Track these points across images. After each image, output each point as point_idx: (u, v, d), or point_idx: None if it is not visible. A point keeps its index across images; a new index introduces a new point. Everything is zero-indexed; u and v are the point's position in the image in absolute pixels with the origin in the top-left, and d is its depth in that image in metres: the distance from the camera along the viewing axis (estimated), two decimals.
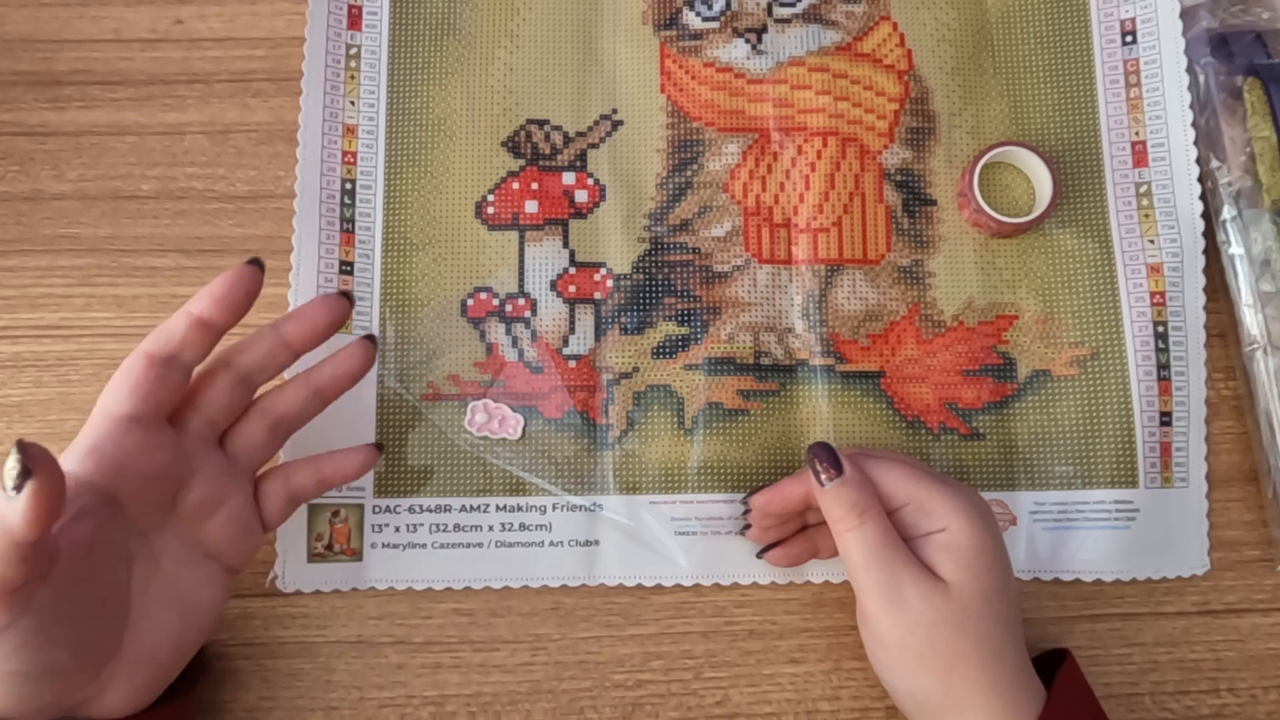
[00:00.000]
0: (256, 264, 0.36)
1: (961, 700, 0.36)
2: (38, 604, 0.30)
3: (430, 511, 0.44)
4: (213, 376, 0.36)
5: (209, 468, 0.36)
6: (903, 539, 0.38)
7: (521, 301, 0.47)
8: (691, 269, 0.47)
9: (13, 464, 0.27)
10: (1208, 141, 0.48)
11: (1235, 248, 0.46)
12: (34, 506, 0.27)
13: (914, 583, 0.36)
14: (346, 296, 0.38)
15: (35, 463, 0.27)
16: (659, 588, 0.44)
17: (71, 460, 0.33)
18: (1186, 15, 0.48)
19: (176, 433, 0.35)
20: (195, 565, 0.36)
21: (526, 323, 0.46)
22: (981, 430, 0.46)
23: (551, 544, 0.44)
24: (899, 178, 0.48)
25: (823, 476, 0.38)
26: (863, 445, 0.45)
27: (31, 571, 0.29)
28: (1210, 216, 0.47)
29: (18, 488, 0.27)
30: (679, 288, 0.47)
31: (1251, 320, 0.46)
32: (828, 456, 0.38)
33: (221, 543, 0.37)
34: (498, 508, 0.45)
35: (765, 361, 0.46)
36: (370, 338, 0.39)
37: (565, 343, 0.46)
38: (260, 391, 0.39)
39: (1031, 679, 0.37)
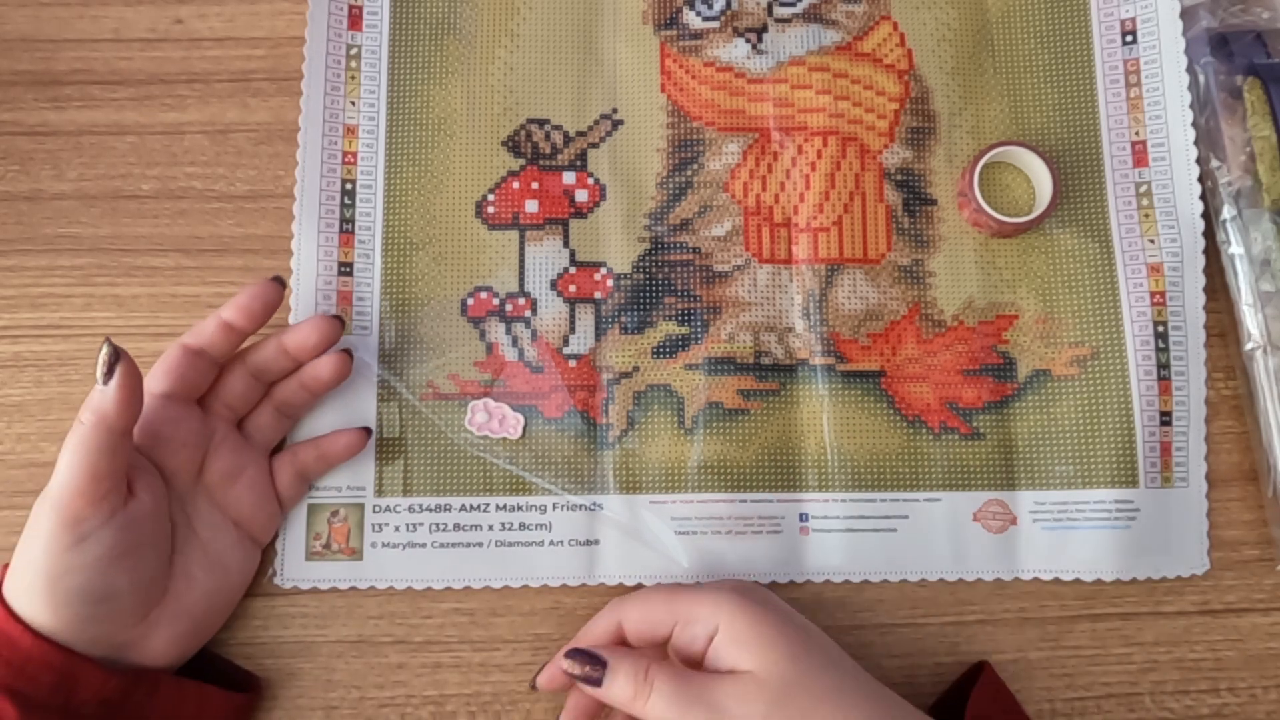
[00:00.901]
0: (278, 281, 0.42)
1: None
2: (116, 523, 0.36)
3: (430, 511, 0.44)
4: (230, 370, 0.42)
5: (229, 441, 0.42)
6: (697, 664, 0.37)
7: (522, 301, 0.47)
8: (692, 268, 0.47)
9: (103, 355, 0.35)
10: (1208, 141, 0.48)
11: (1235, 247, 0.46)
12: (123, 388, 0.35)
13: (726, 693, 0.35)
14: (339, 319, 0.43)
15: (121, 353, 0.35)
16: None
17: None
18: (1186, 15, 0.48)
19: (203, 412, 0.41)
20: (224, 530, 0.41)
21: (527, 322, 0.46)
22: (982, 430, 0.46)
23: (552, 543, 0.44)
24: (899, 177, 0.48)
25: (594, 677, 0.37)
26: (860, 453, 0.45)
27: (120, 467, 0.36)
28: (1210, 216, 0.47)
29: (109, 373, 0.35)
30: (679, 287, 0.47)
31: (1251, 320, 0.46)
32: (585, 658, 0.37)
33: (245, 508, 0.42)
34: (498, 507, 0.45)
35: (765, 361, 0.46)
36: (348, 352, 0.44)
37: (565, 342, 0.46)
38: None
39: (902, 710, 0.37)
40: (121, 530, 0.36)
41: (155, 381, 0.40)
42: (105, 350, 0.35)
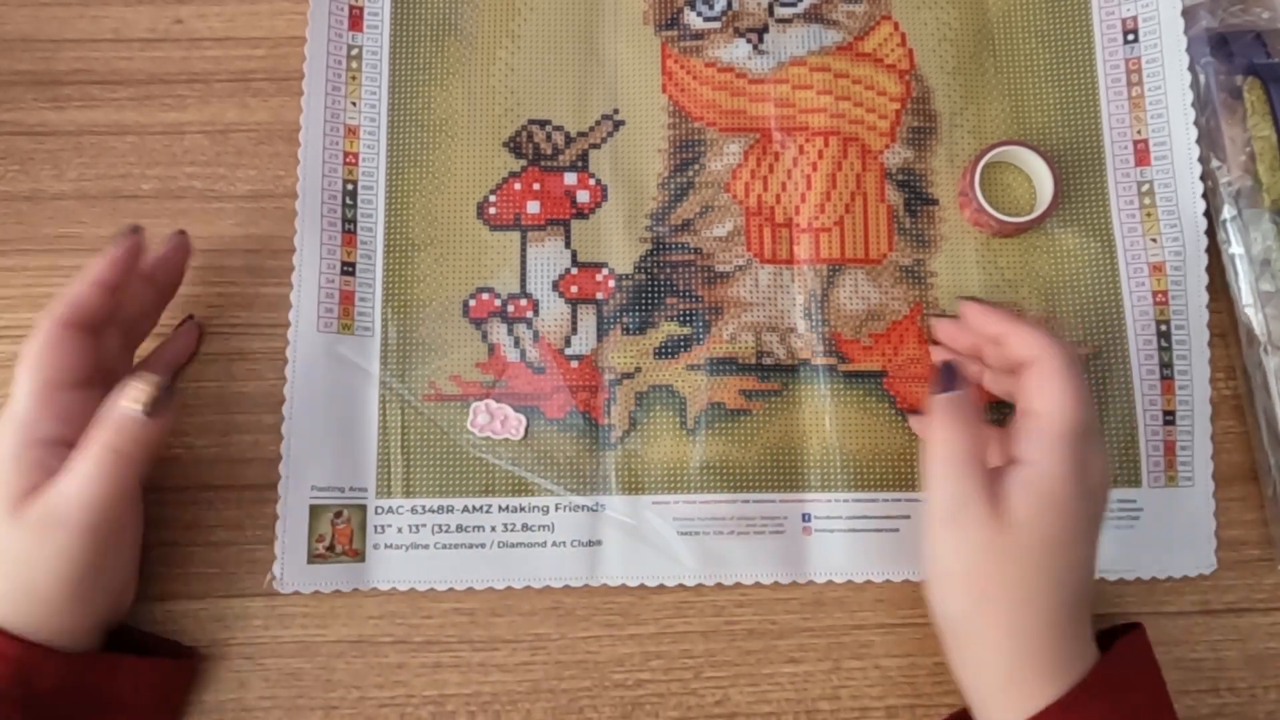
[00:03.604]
0: (135, 230, 0.40)
1: (986, 630, 0.37)
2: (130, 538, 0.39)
3: (432, 512, 0.44)
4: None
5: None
6: (1000, 445, 0.39)
7: (524, 302, 0.47)
8: (693, 269, 0.47)
9: (151, 393, 0.36)
10: (1208, 141, 0.48)
11: (1235, 247, 0.46)
12: (167, 421, 0.37)
13: (977, 506, 0.36)
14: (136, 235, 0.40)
15: (175, 392, 0.37)
16: (660, 587, 0.44)
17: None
18: (1187, 15, 0.48)
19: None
20: None
21: (528, 323, 0.46)
22: None
23: (554, 544, 0.44)
24: (900, 177, 0.48)
25: (945, 386, 0.39)
26: (862, 453, 0.45)
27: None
28: (1210, 216, 0.47)
29: (155, 411, 0.36)
30: (681, 288, 0.47)
31: (1252, 320, 0.46)
32: (949, 375, 0.39)
33: None
34: (500, 508, 0.44)
35: (767, 361, 0.46)
36: (180, 232, 0.44)
37: (567, 343, 0.46)
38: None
39: (1074, 645, 0.37)
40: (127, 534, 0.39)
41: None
42: (156, 389, 0.36)
